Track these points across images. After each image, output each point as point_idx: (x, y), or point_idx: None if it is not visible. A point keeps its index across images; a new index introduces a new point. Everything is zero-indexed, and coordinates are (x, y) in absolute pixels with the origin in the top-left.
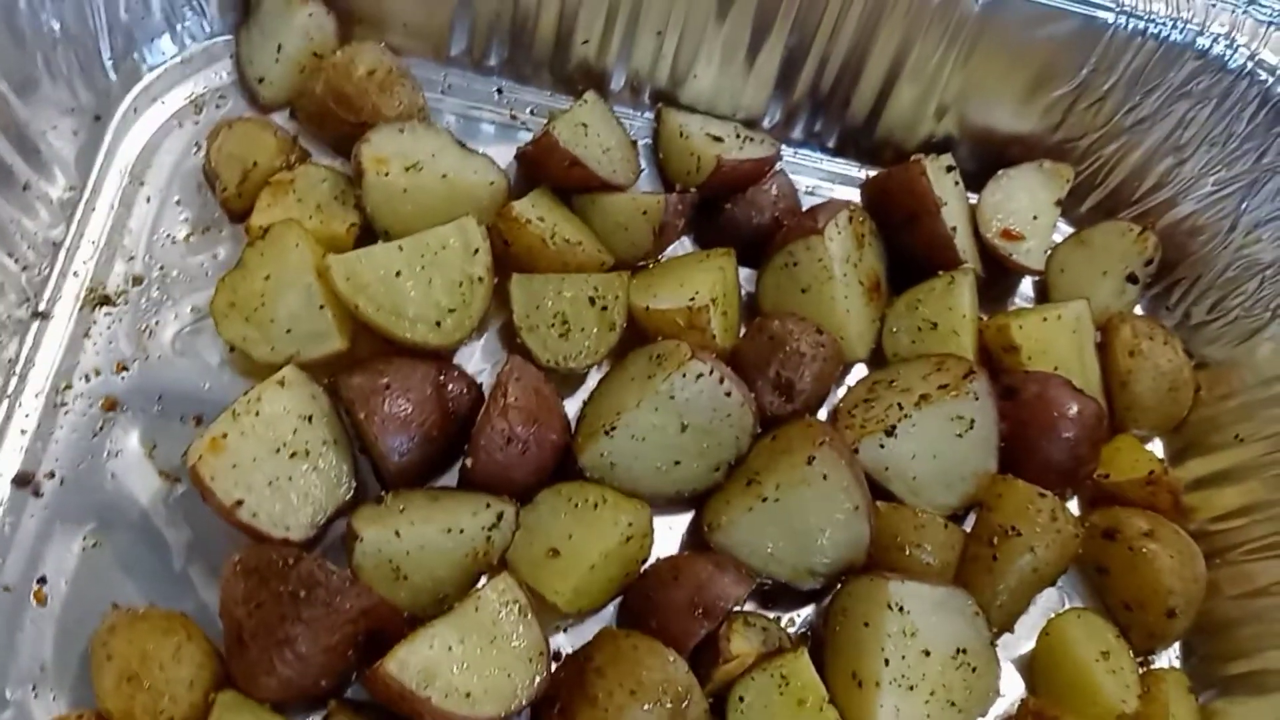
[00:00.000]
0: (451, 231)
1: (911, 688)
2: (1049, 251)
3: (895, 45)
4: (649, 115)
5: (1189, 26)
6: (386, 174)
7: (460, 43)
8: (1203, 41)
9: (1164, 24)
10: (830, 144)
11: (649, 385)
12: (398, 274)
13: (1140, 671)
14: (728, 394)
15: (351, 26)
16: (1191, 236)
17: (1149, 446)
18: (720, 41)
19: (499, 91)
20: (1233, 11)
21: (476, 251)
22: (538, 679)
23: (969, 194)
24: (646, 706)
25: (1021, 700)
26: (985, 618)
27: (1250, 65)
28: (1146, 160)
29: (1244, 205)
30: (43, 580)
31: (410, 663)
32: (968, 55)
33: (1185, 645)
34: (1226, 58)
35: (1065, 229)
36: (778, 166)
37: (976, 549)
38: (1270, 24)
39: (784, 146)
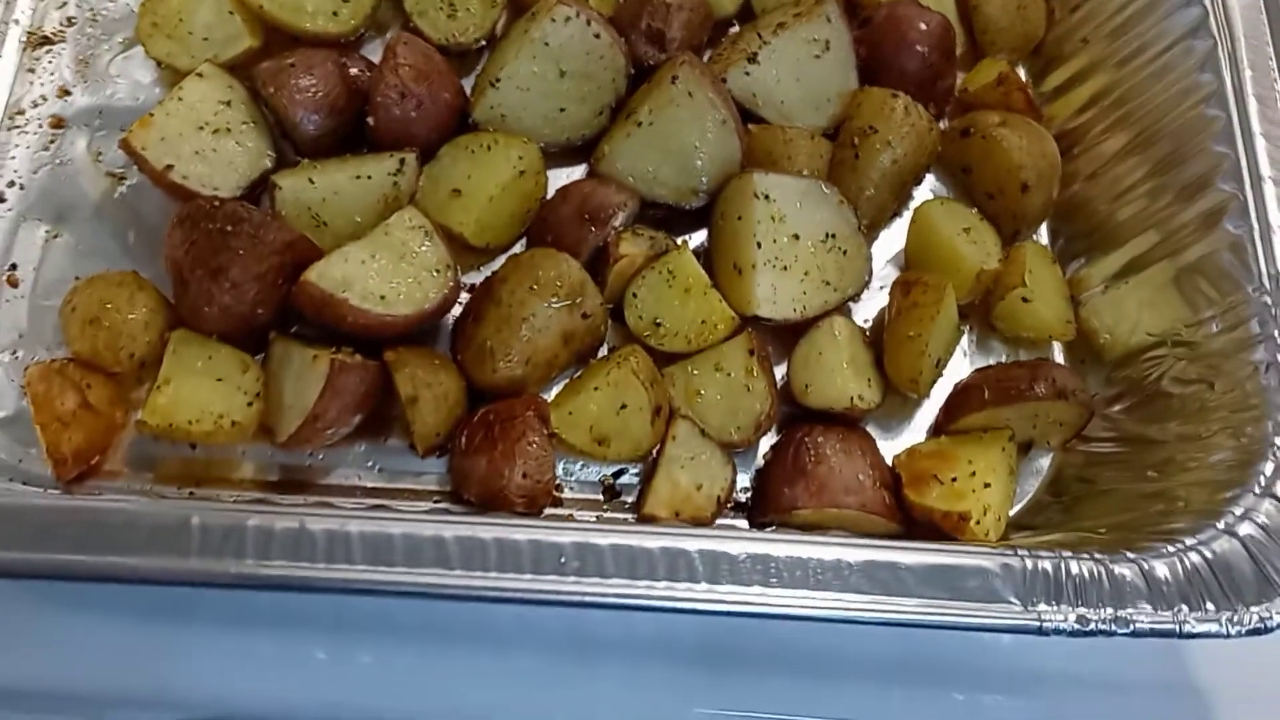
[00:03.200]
0: None
1: (785, 268)
2: None
3: None
4: None
5: None
6: None
7: None
8: None
9: None
10: None
11: (525, 37)
12: None
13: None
14: (597, 35)
15: None
16: None
17: None
18: None
19: None
20: None
21: None
22: (447, 286)
23: None
24: (545, 300)
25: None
26: (853, 208)
27: None
28: None
29: None
30: (13, 267)
31: (328, 273)
32: None
33: (1053, 232)
34: None
35: None
36: None
37: (841, 153)
38: None
39: None
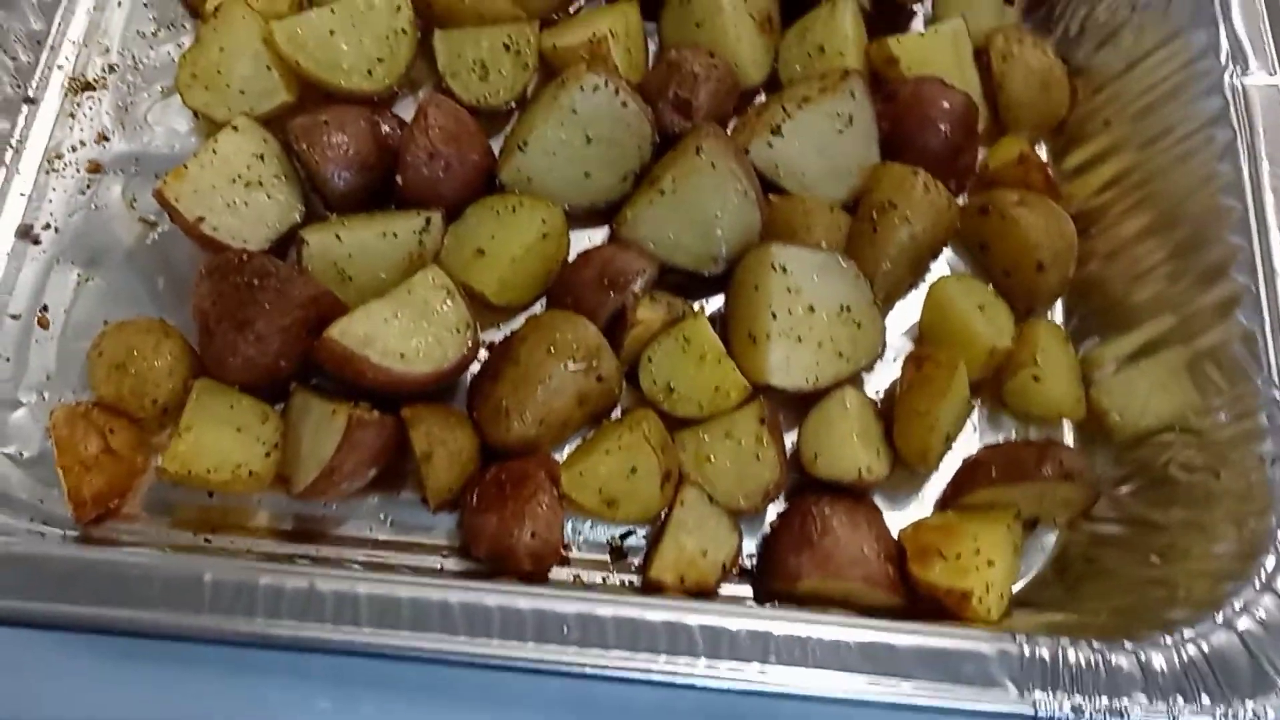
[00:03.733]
0: None
1: (799, 339)
2: None
3: None
4: None
5: None
6: None
7: None
8: None
9: None
10: None
11: (554, 104)
12: (332, 33)
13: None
14: (624, 104)
15: None
16: None
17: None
18: None
19: None
20: None
21: (399, 8)
22: (465, 346)
23: None
24: (561, 362)
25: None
26: (868, 282)
27: None
28: None
29: None
30: (44, 309)
31: (351, 330)
32: None
33: (1067, 309)
34: None
35: None
36: None
37: (859, 227)
38: None
39: None
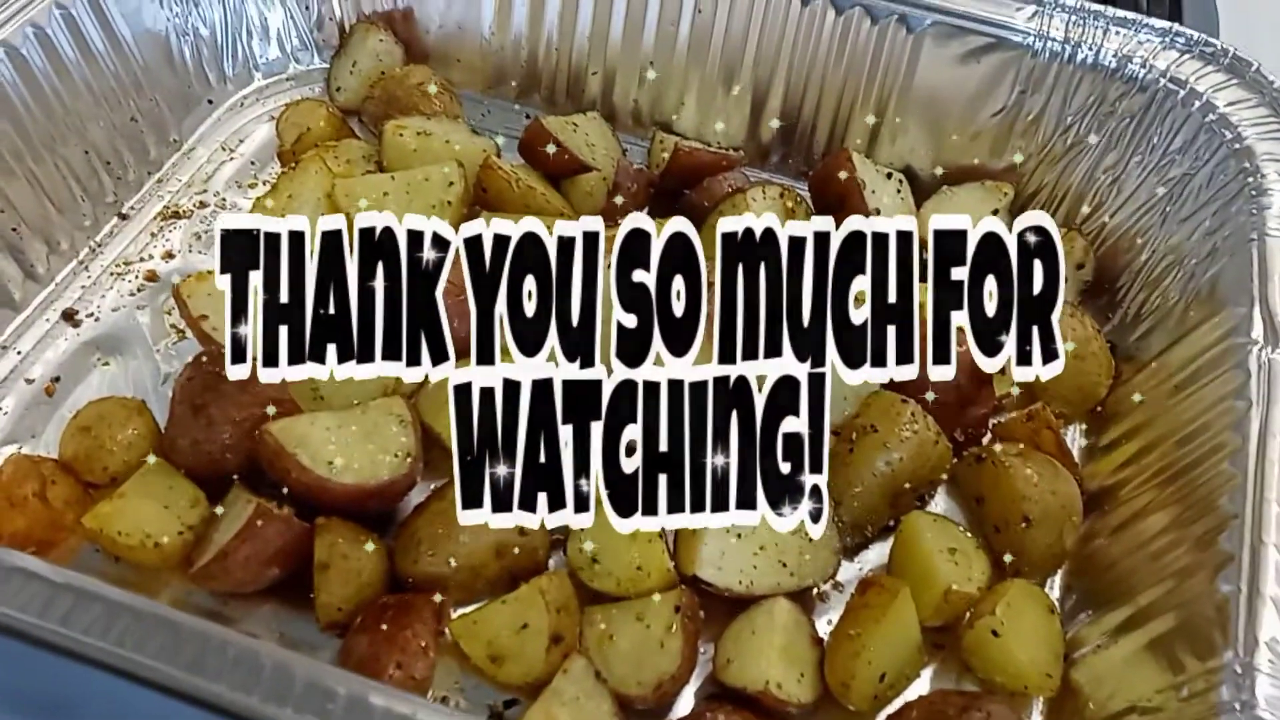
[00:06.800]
0: (435, 169)
1: (739, 536)
2: None
3: (840, 78)
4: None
5: (1103, 49)
6: (402, 135)
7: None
8: (1113, 62)
9: (1073, 47)
10: (803, 170)
11: None
12: (385, 194)
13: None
14: None
15: (418, 60)
16: (1128, 250)
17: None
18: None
19: (526, 116)
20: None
21: (451, 184)
22: (400, 471)
23: None
24: None
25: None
26: (834, 500)
27: (1163, 81)
28: (1086, 182)
29: (1169, 210)
30: (56, 380)
31: (291, 428)
32: (907, 81)
33: (1065, 587)
34: (1140, 75)
35: None
36: (742, 170)
37: (837, 447)
38: (1164, 39)
39: (759, 172)
